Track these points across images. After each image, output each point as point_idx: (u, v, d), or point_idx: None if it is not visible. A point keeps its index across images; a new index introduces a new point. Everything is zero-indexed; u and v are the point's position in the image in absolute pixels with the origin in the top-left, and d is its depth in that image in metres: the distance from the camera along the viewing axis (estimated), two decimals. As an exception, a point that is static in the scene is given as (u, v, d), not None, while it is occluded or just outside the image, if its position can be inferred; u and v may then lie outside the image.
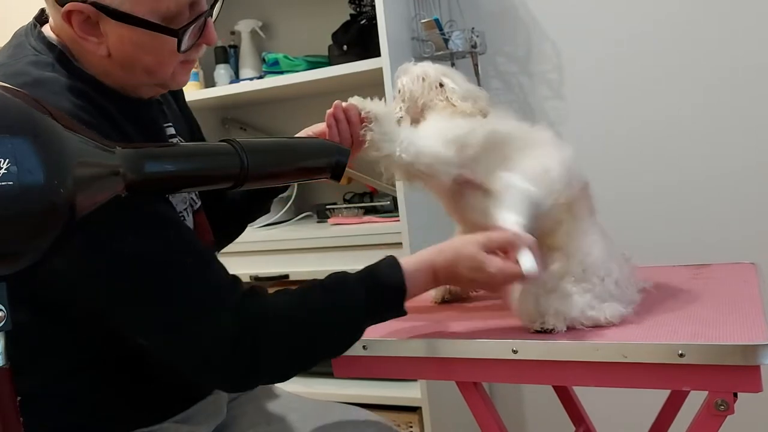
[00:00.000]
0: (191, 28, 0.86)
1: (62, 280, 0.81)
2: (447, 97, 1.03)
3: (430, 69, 1.06)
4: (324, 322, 0.88)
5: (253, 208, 1.23)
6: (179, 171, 0.79)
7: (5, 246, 0.56)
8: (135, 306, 0.83)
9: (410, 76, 1.07)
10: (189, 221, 1.00)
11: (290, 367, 0.89)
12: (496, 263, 0.90)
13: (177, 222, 0.89)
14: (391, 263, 0.92)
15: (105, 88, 0.88)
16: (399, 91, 1.08)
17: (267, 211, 1.25)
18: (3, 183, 0.53)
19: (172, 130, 1.02)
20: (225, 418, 1.10)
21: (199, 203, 1.05)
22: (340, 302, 0.89)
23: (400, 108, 1.07)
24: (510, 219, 0.91)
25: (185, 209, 0.99)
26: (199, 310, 0.83)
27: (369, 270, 0.92)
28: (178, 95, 1.12)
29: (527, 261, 0.87)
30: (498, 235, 0.92)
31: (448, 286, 1.12)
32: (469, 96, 1.02)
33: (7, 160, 0.53)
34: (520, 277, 0.88)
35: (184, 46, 0.86)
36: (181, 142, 1.03)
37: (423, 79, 1.05)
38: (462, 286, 1.01)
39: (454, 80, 1.05)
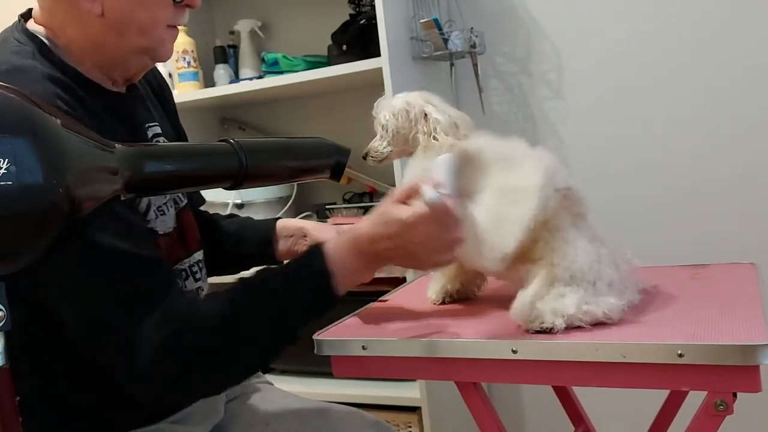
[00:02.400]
0: None
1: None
2: (431, 129, 1.01)
3: (412, 100, 1.04)
4: (253, 327, 0.86)
5: (239, 268, 1.25)
6: (178, 170, 0.79)
7: (4, 246, 0.56)
8: (70, 296, 0.82)
9: (393, 110, 1.04)
10: (170, 215, 1.00)
11: (221, 378, 0.87)
12: (404, 208, 0.86)
13: (130, 222, 0.87)
14: (313, 249, 0.90)
15: (85, 79, 0.89)
16: (383, 127, 1.06)
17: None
18: (2, 183, 0.53)
19: (157, 129, 1.03)
20: (222, 419, 1.10)
21: (185, 201, 1.06)
22: (267, 302, 0.86)
23: (388, 143, 1.06)
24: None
25: (165, 203, 0.99)
26: (127, 312, 0.81)
27: (291, 262, 0.91)
28: (167, 101, 1.14)
29: (427, 192, 0.83)
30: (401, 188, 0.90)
31: (447, 288, 1.12)
32: (451, 125, 1.01)
33: (7, 160, 0.53)
34: (426, 212, 0.84)
35: None
36: (166, 142, 1.04)
37: (407, 112, 1.03)
38: (388, 253, 0.89)
39: (437, 108, 1.03)
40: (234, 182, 0.85)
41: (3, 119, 0.55)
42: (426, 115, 1.02)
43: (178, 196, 1.04)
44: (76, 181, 0.59)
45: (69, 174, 0.58)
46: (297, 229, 1.20)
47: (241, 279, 0.89)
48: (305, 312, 0.89)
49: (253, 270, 0.93)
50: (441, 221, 0.85)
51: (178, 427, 0.99)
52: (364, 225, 0.90)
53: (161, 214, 0.98)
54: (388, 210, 0.87)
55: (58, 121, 0.60)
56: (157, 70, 1.16)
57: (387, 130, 1.05)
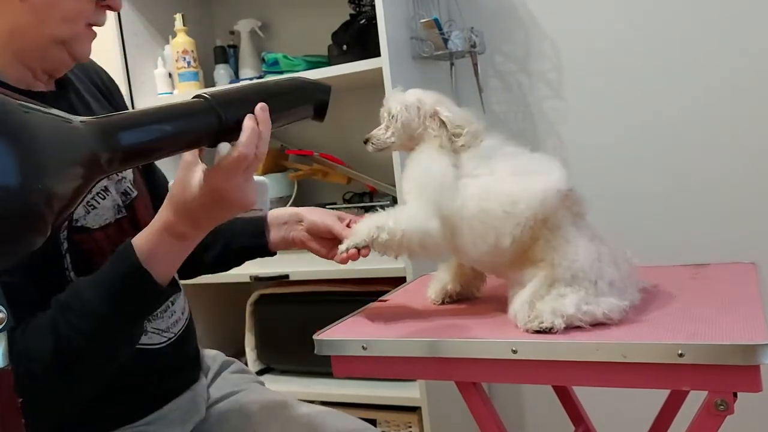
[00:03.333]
0: None
1: None
2: (440, 126, 1.02)
3: (425, 97, 1.05)
4: (78, 353, 0.81)
5: (229, 264, 1.22)
6: (156, 137, 0.73)
7: None
8: None
9: (405, 104, 1.04)
10: (104, 207, 0.97)
11: (62, 406, 0.83)
12: (200, 166, 0.83)
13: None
14: (123, 248, 0.84)
15: None
16: (392, 117, 1.05)
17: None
18: None
19: None
20: (210, 420, 1.09)
21: (136, 193, 1.04)
22: (85, 322, 0.81)
23: (392, 133, 1.06)
24: None
25: (94, 197, 0.96)
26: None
27: (103, 269, 0.85)
28: (118, 104, 1.13)
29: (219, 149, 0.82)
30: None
31: (447, 288, 1.12)
32: (462, 124, 1.02)
33: None
34: (228, 158, 0.81)
35: None
36: None
37: (418, 108, 1.04)
38: (210, 218, 0.86)
39: (448, 108, 1.04)
40: (215, 139, 0.80)
41: None
42: (435, 114, 1.03)
43: (128, 187, 1.03)
44: (56, 176, 0.56)
45: (47, 170, 0.55)
46: (290, 216, 1.17)
47: (56, 300, 0.84)
48: (130, 316, 0.85)
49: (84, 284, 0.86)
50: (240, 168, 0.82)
51: (153, 428, 0.99)
52: (169, 195, 0.85)
53: (92, 208, 0.96)
54: (188, 176, 0.83)
55: (22, 108, 0.56)
56: (105, 72, 1.15)
57: (397, 121, 1.05)
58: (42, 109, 0.59)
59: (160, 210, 0.86)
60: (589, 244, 0.94)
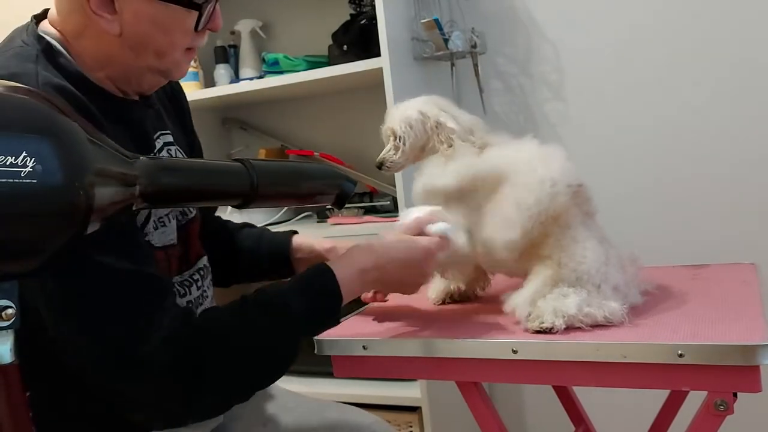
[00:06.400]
0: (210, 4, 0.88)
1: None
2: (447, 139, 1.01)
3: (427, 109, 1.03)
4: (266, 341, 0.87)
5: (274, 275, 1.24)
6: (192, 186, 0.80)
7: (25, 244, 0.57)
8: (67, 314, 0.79)
9: (408, 122, 1.03)
10: (171, 227, 0.97)
11: (231, 395, 0.87)
12: (423, 239, 0.96)
13: (132, 237, 0.85)
14: (324, 270, 0.92)
15: (90, 84, 0.87)
16: (399, 139, 1.04)
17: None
18: (27, 181, 0.55)
19: (169, 138, 1.01)
20: (223, 419, 1.09)
21: (194, 213, 1.05)
22: (279, 319, 0.88)
23: (403, 152, 1.04)
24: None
25: (167, 215, 0.97)
26: (132, 333, 0.78)
27: (302, 279, 0.92)
28: (181, 106, 1.13)
29: (434, 228, 0.97)
30: (404, 223, 0.99)
31: (448, 288, 1.11)
32: (466, 132, 1.02)
33: (34, 159, 0.55)
34: (442, 242, 0.96)
35: (202, 24, 0.89)
36: (179, 151, 1.03)
37: (423, 123, 1.03)
38: (388, 283, 0.98)
39: (452, 115, 1.03)
40: (243, 201, 0.87)
41: (31, 121, 0.57)
42: (440, 124, 1.02)
43: (187, 208, 1.03)
44: (96, 185, 0.61)
45: (88, 178, 0.60)
46: (310, 251, 1.18)
47: (257, 291, 0.90)
48: (311, 331, 0.94)
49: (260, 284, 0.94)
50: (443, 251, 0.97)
51: None
52: (374, 252, 0.95)
53: (161, 226, 0.95)
54: (411, 238, 0.96)
55: (81, 129, 0.62)
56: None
57: (405, 143, 1.03)
58: (106, 140, 0.67)
59: (354, 251, 0.95)
60: (599, 246, 0.94)
